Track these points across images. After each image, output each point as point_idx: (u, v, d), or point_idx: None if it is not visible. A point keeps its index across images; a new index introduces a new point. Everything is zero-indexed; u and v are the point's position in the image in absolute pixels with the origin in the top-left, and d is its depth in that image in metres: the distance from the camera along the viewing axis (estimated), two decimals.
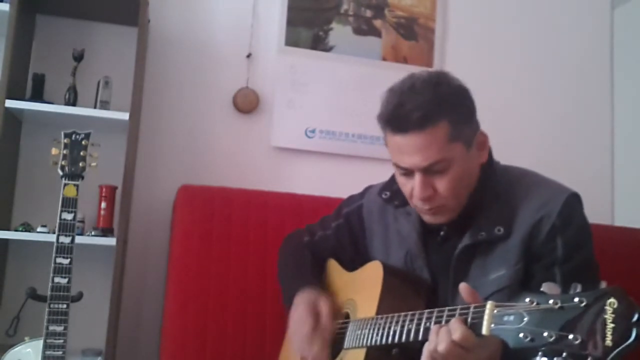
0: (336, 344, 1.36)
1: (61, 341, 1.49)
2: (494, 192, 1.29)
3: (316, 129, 2.42)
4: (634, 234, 2.29)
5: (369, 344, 1.21)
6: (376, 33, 2.53)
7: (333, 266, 1.56)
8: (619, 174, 2.69)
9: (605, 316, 0.76)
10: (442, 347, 0.98)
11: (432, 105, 1.18)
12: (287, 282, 1.54)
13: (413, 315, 1.12)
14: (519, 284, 1.21)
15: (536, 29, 2.72)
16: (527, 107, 2.62)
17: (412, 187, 1.25)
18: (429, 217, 1.29)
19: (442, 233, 1.32)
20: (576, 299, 0.80)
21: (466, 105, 1.25)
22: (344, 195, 1.67)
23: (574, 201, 1.25)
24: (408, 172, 1.25)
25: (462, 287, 1.03)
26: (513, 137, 2.51)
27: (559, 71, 2.72)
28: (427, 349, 1.03)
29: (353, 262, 1.48)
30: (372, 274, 1.33)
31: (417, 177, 1.22)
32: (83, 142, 1.59)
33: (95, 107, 2.08)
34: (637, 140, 2.62)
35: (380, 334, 1.18)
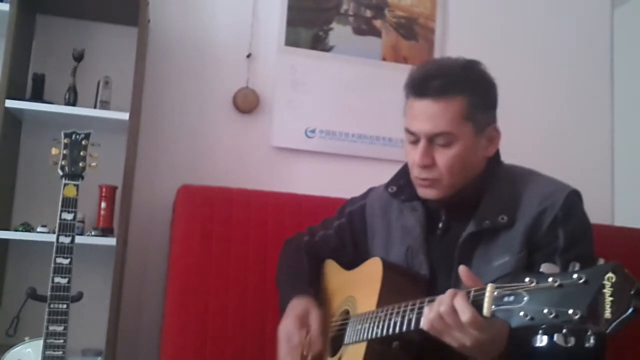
0: (336, 341, 1.36)
1: (61, 341, 1.49)
2: (497, 184, 1.31)
3: (316, 129, 2.42)
4: (634, 234, 2.28)
5: (369, 337, 1.21)
6: (376, 33, 2.53)
7: (331, 266, 1.56)
8: (619, 174, 2.69)
9: (604, 290, 0.77)
10: (443, 308, 1.00)
11: (453, 79, 1.25)
12: (283, 288, 1.55)
13: (414, 304, 1.12)
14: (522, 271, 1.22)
15: (536, 28, 2.72)
16: (527, 107, 2.62)
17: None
18: (422, 190, 1.32)
19: (440, 225, 1.34)
20: (575, 276, 0.81)
21: (488, 94, 1.31)
22: (344, 195, 1.67)
23: (575, 197, 1.29)
24: (415, 140, 1.29)
25: (462, 269, 1.04)
26: (513, 136, 2.45)
27: (559, 71, 2.72)
28: (426, 317, 1.04)
29: (353, 263, 1.47)
30: (371, 270, 1.33)
31: (421, 144, 1.27)
32: (83, 142, 1.59)
33: (95, 107, 2.08)
34: (637, 140, 2.62)
35: (381, 326, 1.18)
